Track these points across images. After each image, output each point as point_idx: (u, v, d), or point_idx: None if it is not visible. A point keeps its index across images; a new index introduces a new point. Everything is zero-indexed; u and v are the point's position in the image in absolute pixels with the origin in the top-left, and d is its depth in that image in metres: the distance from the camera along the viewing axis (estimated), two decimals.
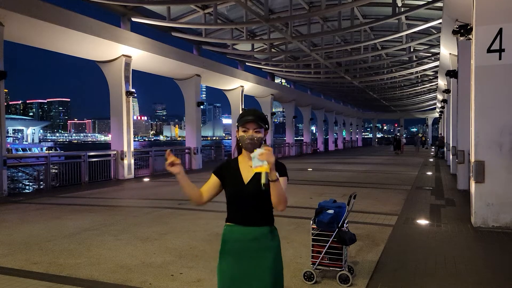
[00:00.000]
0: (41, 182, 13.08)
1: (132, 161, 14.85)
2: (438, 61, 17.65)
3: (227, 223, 2.25)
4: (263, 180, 1.93)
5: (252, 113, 2.22)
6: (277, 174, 2.02)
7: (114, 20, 13.67)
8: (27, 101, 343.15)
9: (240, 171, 2.25)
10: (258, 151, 1.96)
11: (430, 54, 20.87)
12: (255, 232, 2.18)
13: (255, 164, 1.96)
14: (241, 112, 2.31)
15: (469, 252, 5.17)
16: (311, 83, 31.23)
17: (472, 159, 6.42)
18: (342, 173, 15.62)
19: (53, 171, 13.28)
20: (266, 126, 2.29)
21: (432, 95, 36.04)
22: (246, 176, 2.22)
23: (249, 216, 2.19)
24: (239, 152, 2.31)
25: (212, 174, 2.29)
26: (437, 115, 42.46)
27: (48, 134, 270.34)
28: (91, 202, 9.75)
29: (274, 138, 27.24)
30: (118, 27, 13.61)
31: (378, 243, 5.45)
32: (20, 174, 25.11)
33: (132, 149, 14.88)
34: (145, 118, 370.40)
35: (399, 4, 13.98)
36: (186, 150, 18.53)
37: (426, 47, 19.58)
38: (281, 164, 2.23)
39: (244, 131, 2.20)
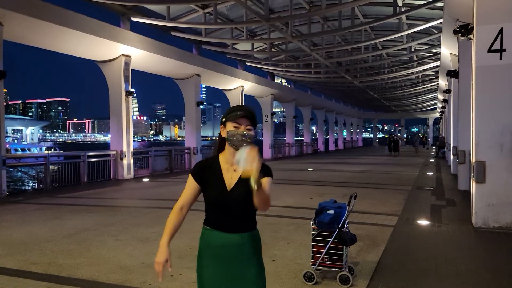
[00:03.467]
0: (41, 182, 13.05)
1: (132, 161, 14.83)
2: (439, 61, 17.65)
3: (208, 227, 2.11)
4: (253, 185, 1.80)
5: (245, 109, 2.07)
6: (261, 180, 1.89)
7: (113, 20, 13.65)
8: (27, 101, 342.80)
9: (222, 175, 2.08)
10: (243, 151, 1.80)
11: (430, 54, 20.85)
12: (240, 238, 2.07)
13: (242, 165, 1.79)
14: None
15: (470, 253, 5.15)
16: (312, 83, 31.22)
17: (473, 159, 6.40)
18: (343, 173, 15.60)
19: (53, 169, 13.25)
20: (256, 125, 2.13)
21: (432, 95, 36.02)
22: (229, 182, 2.07)
23: (232, 223, 2.07)
24: (220, 150, 2.14)
25: (191, 178, 2.10)
26: (438, 115, 42.48)
27: (48, 134, 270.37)
28: (90, 202, 9.73)
29: (274, 138, 27.24)
30: (117, 27, 13.59)
31: (378, 243, 5.43)
32: (19, 174, 25.08)
33: (131, 149, 14.86)
34: (145, 118, 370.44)
35: (400, 4, 13.95)
36: (186, 150, 18.51)
37: (426, 47, 19.56)
38: (266, 165, 2.07)
39: (235, 127, 2.03)
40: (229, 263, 2.06)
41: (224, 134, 2.08)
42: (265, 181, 2.01)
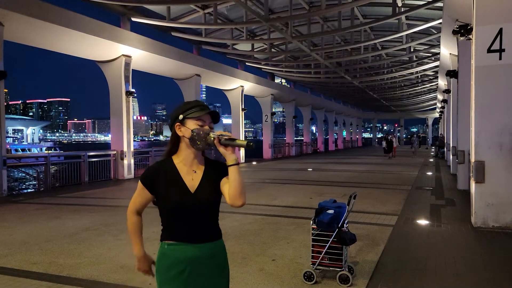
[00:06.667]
0: (41, 182, 13.06)
1: (132, 161, 14.85)
2: (438, 61, 17.65)
3: (170, 242, 1.86)
4: (245, 142, 1.80)
5: (205, 104, 1.90)
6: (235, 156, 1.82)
7: (114, 20, 13.70)
8: (27, 101, 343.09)
9: (182, 178, 1.88)
10: (214, 132, 1.83)
11: (430, 54, 20.86)
12: (210, 248, 1.88)
13: (225, 138, 1.80)
14: (189, 104, 1.92)
15: (469, 252, 5.16)
16: (311, 83, 31.23)
17: (472, 159, 6.41)
18: (342, 173, 15.61)
19: (53, 170, 13.27)
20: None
21: (432, 95, 36.02)
22: (191, 184, 1.87)
23: (200, 231, 1.86)
24: (173, 152, 1.94)
25: (140, 185, 1.90)
26: (437, 115, 42.45)
27: (48, 134, 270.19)
28: (91, 202, 9.74)
29: (274, 138, 27.26)
30: (118, 27, 13.60)
31: (378, 243, 5.45)
32: (20, 174, 25.08)
33: (132, 149, 14.88)
34: (145, 118, 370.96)
35: (399, 4, 13.97)
36: None
37: (426, 47, 19.58)
38: (225, 164, 1.94)
39: (200, 125, 1.85)
40: (199, 278, 1.85)
41: (182, 133, 1.88)
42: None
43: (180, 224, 1.86)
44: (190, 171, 1.90)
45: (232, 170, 1.81)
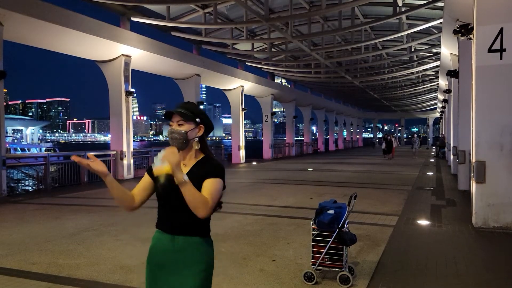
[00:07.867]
0: (41, 182, 13.06)
1: (132, 161, 14.83)
2: (439, 61, 17.64)
3: (156, 228, 2.02)
4: (161, 181, 1.90)
5: (179, 105, 2.01)
6: (184, 177, 1.76)
7: (113, 20, 13.68)
8: (27, 101, 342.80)
9: None
10: (161, 152, 1.79)
11: (431, 54, 20.85)
12: (182, 242, 1.90)
13: (155, 165, 1.79)
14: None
15: (470, 253, 5.15)
16: (312, 83, 31.21)
17: (473, 159, 6.40)
18: (343, 173, 15.60)
19: (53, 170, 13.26)
20: (197, 119, 1.97)
21: (433, 95, 36.00)
22: None
23: (176, 222, 1.92)
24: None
25: (145, 173, 2.08)
26: (438, 115, 42.45)
27: (48, 134, 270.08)
28: (90, 202, 9.73)
29: (274, 138, 27.26)
30: (117, 27, 13.59)
31: (378, 243, 5.43)
32: (19, 173, 25.08)
33: (131, 149, 14.86)
34: (145, 118, 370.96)
35: (400, 4, 13.95)
36: None
37: (426, 46, 19.56)
38: (215, 165, 1.97)
39: (169, 125, 2.02)
40: (168, 270, 1.91)
41: None
42: (210, 182, 1.89)
43: (161, 213, 2.00)
44: (180, 165, 1.93)
45: (182, 189, 1.78)
